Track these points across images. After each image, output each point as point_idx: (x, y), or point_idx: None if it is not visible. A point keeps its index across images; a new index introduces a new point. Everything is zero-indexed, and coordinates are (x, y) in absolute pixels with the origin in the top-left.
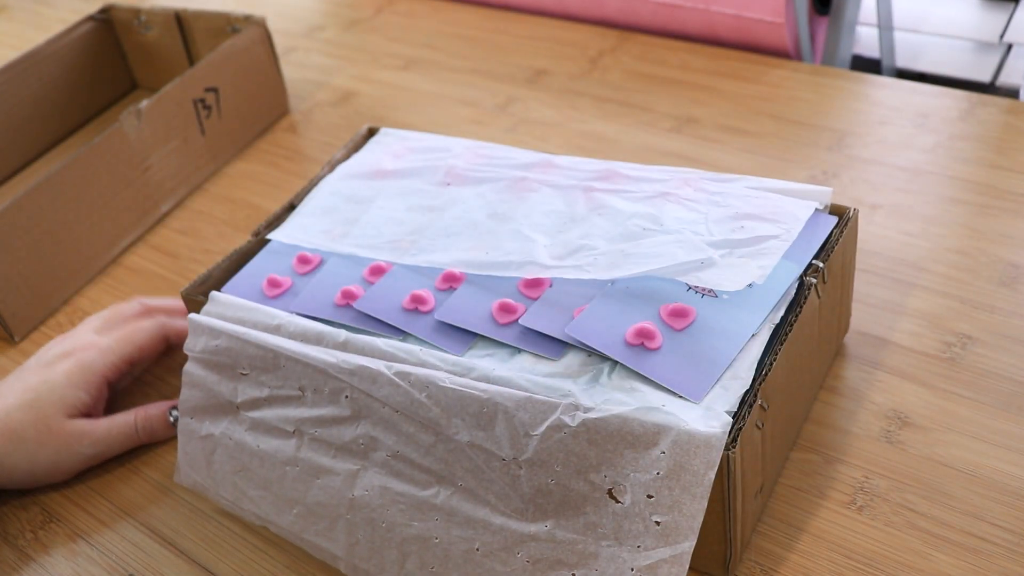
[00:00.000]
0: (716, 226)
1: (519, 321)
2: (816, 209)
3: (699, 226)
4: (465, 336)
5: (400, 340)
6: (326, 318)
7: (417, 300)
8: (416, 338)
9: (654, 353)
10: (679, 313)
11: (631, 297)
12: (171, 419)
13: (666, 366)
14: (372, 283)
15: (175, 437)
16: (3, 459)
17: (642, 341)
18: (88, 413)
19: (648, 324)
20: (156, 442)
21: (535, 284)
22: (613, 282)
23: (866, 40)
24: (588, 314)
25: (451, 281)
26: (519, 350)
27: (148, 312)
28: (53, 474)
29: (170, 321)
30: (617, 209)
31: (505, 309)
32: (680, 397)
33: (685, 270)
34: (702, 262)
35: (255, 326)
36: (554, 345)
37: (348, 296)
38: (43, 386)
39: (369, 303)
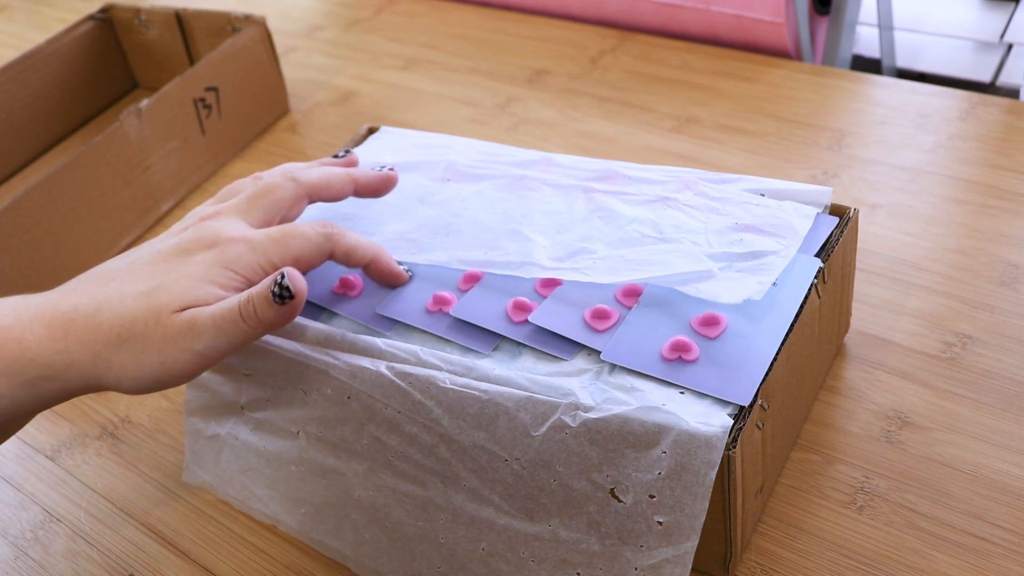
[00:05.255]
0: (716, 237)
1: (528, 318)
2: (816, 213)
3: (699, 236)
4: (489, 335)
5: (391, 336)
6: (324, 305)
7: (440, 301)
8: (435, 337)
9: (693, 365)
10: (710, 322)
11: (659, 312)
12: (275, 298)
13: (708, 376)
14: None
15: (285, 319)
16: (111, 357)
17: (679, 355)
18: None
19: (682, 337)
20: (269, 330)
21: (550, 284)
22: (639, 304)
23: (866, 40)
24: (620, 336)
25: (472, 282)
26: (522, 351)
27: (311, 195)
28: (163, 376)
29: (340, 235)
30: (617, 213)
31: (520, 307)
32: (727, 403)
33: (684, 280)
34: (701, 274)
35: None
36: (565, 343)
37: (346, 285)
38: (171, 276)
39: (392, 305)
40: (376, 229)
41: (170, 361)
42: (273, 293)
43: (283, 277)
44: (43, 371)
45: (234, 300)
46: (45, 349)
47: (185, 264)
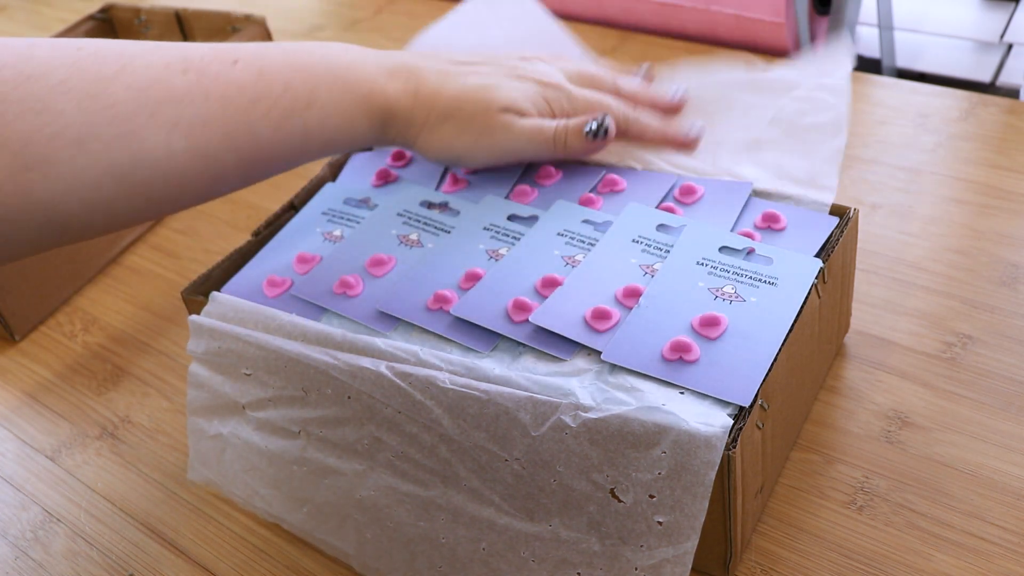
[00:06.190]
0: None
1: (528, 318)
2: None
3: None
4: (489, 335)
5: (390, 336)
6: (324, 305)
7: (441, 300)
8: (436, 336)
9: (693, 365)
10: (711, 322)
11: (660, 313)
12: (590, 134)
13: (709, 376)
14: (377, 276)
15: (587, 152)
16: (437, 126)
17: (679, 355)
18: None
19: (683, 338)
20: (566, 156)
21: (550, 283)
22: (639, 305)
23: (866, 40)
24: (620, 336)
25: (473, 280)
26: (522, 351)
27: (618, 95)
28: (464, 157)
29: (634, 115)
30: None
31: (520, 307)
32: (728, 403)
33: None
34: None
35: (256, 327)
36: (565, 343)
37: (346, 285)
38: (504, 83)
39: (394, 303)
40: None
41: (480, 146)
42: (590, 129)
43: (605, 117)
44: (390, 120)
45: (549, 122)
46: (396, 104)
47: (517, 80)
